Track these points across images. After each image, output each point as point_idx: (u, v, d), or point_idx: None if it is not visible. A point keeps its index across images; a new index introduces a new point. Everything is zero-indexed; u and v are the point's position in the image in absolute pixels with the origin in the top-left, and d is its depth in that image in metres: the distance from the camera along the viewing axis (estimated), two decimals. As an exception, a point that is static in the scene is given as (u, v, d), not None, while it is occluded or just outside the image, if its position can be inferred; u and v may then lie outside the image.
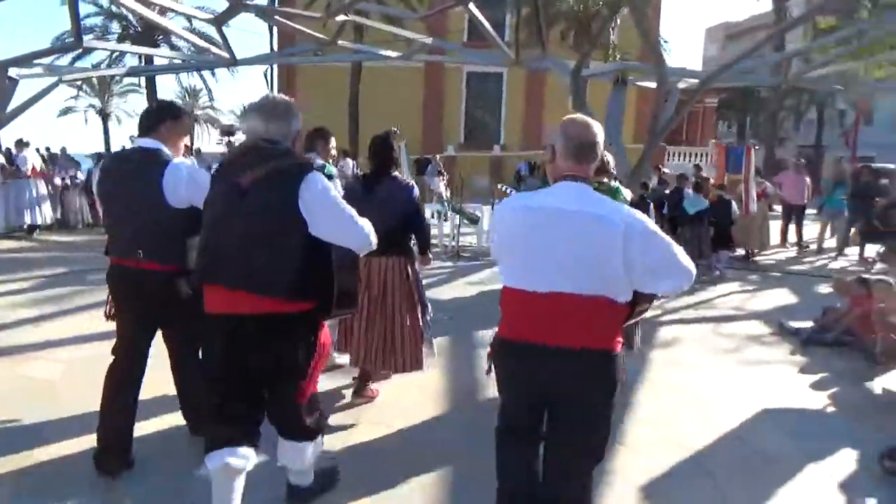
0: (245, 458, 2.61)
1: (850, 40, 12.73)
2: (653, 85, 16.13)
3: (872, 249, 10.12)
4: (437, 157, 20.05)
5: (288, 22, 13.25)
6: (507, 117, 28.01)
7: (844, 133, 31.28)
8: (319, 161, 4.41)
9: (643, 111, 28.51)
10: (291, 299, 2.49)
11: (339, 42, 14.62)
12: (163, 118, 3.17)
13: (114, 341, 3.27)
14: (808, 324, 6.39)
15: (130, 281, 3.08)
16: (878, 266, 8.90)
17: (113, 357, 3.23)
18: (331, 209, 2.52)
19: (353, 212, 2.60)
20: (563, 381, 2.21)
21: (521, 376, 2.31)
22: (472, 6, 12.27)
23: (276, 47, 25.97)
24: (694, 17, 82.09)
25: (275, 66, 27.63)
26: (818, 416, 4.41)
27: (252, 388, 2.65)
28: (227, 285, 2.50)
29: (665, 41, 25.38)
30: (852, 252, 10.88)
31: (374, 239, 2.67)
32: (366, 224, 2.64)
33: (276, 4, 19.07)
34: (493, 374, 2.46)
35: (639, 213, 2.24)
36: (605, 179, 4.38)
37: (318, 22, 13.97)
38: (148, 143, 3.14)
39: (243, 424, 2.64)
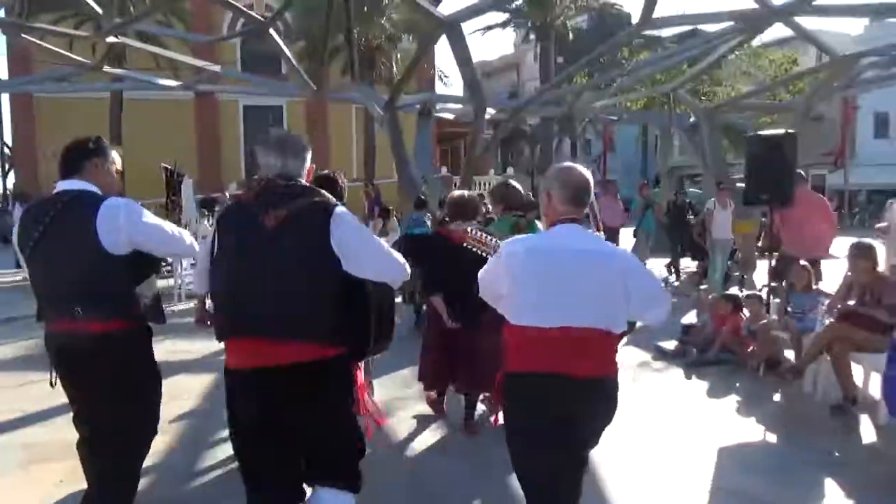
0: None
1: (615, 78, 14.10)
2: (450, 116, 16.38)
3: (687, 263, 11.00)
4: (227, 194, 18.28)
5: (38, 41, 11.05)
6: (290, 152, 26.85)
7: (595, 160, 35.03)
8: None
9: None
10: (332, 343, 2.36)
11: (106, 68, 12.67)
12: (87, 155, 2.74)
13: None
14: (674, 343, 6.50)
15: (70, 347, 2.59)
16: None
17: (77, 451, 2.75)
18: (365, 244, 2.45)
19: (386, 244, 2.57)
20: (573, 406, 2.28)
21: (535, 405, 2.32)
22: (273, 34, 11.27)
23: (4, 73, 22.06)
24: (449, 56, 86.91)
25: (4, 97, 23.51)
26: (768, 447, 4.29)
27: (289, 450, 2.45)
28: (262, 335, 2.30)
29: (445, 75, 26.22)
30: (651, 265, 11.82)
31: (409, 270, 2.58)
32: (400, 256, 2.56)
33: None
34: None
35: (627, 250, 2.53)
36: (523, 214, 4.57)
37: (70, 40, 11.72)
38: (73, 184, 2.69)
39: (284, 490, 2.47)
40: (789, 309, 5.54)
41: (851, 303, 4.78)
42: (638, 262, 2.44)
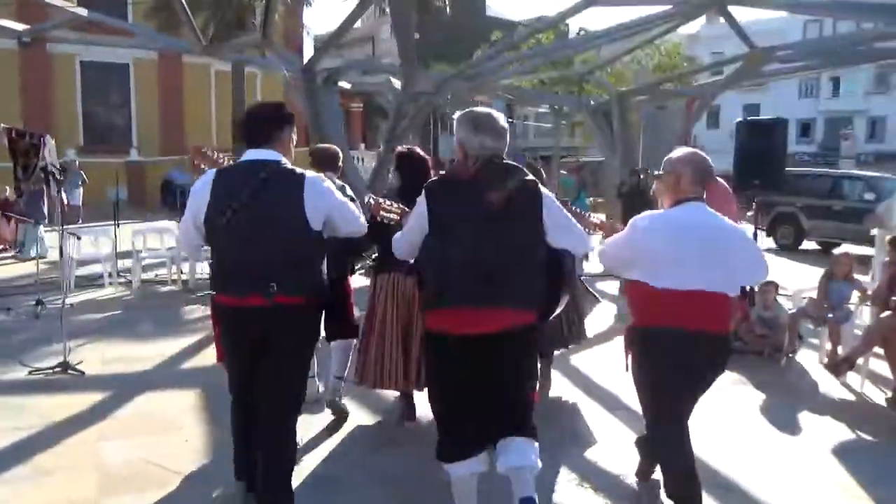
0: (486, 461, 2.70)
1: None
2: (346, 85, 15.27)
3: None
4: (77, 161, 15.81)
5: None
6: (139, 116, 23.85)
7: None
8: (339, 181, 4.09)
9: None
10: (536, 307, 2.63)
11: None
12: (282, 125, 2.72)
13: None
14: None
15: (258, 322, 2.59)
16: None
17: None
18: (563, 217, 2.70)
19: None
20: (699, 357, 2.76)
21: (669, 355, 2.76)
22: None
23: None
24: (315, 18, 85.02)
25: None
26: (863, 447, 4.09)
27: (489, 401, 2.66)
28: (487, 303, 2.51)
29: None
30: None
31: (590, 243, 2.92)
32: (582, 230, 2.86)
33: None
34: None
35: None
36: None
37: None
38: (269, 154, 2.64)
39: (481, 435, 2.69)
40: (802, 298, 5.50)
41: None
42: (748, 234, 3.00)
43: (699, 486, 2.80)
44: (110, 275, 8.18)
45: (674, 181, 2.84)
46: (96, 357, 5.24)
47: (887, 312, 4.72)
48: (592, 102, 15.12)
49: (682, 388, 2.82)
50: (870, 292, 5.17)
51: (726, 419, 4.27)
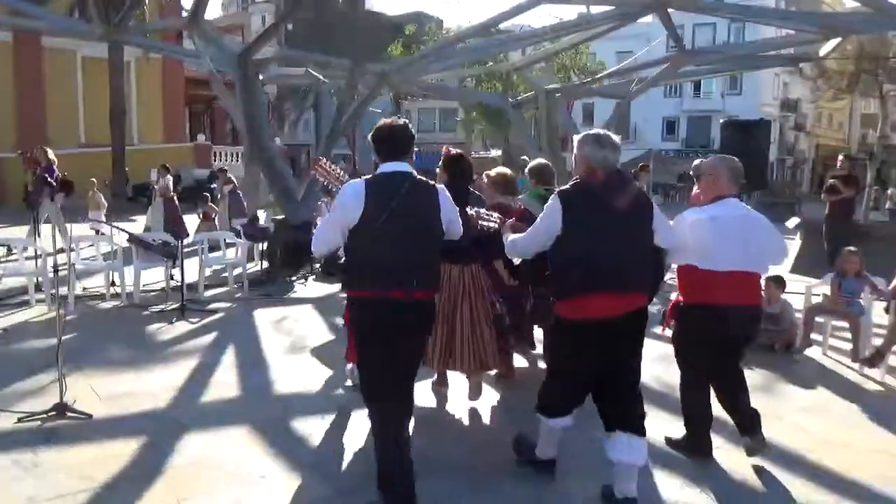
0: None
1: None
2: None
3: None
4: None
5: None
6: (-10, 105, 20.89)
7: (346, 135, 34.33)
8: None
9: (174, 107, 25.47)
10: (649, 293, 3.18)
11: None
12: (412, 142, 3.05)
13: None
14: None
15: (398, 313, 2.89)
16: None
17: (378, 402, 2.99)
18: (667, 224, 3.29)
19: None
20: (743, 327, 3.51)
21: (711, 329, 3.45)
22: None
23: None
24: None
25: None
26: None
27: (611, 376, 3.11)
28: (618, 290, 2.99)
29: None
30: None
31: None
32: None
33: None
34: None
35: None
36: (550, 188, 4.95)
37: None
38: (406, 167, 2.99)
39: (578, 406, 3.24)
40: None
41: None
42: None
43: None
44: (39, 288, 6.99)
45: (713, 181, 3.54)
46: (86, 394, 4.40)
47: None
48: (511, 100, 15.24)
49: (715, 352, 3.51)
50: (881, 288, 5.47)
51: (790, 416, 4.34)
